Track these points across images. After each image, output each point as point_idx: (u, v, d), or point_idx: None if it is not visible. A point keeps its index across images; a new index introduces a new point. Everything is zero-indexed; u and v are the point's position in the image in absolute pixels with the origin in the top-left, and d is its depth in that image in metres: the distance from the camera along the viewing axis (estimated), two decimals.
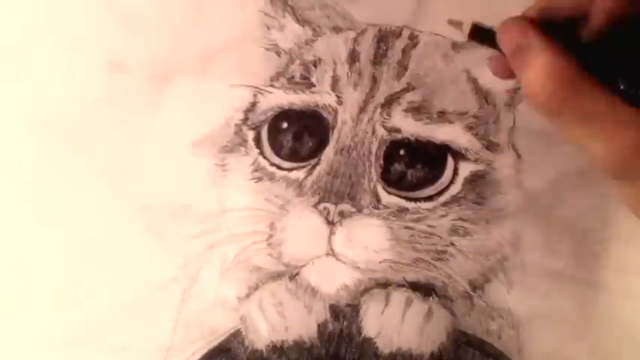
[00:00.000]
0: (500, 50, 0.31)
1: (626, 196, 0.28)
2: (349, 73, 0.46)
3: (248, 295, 0.45)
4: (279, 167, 0.46)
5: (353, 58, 0.47)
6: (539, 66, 0.27)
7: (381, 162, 0.45)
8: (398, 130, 0.45)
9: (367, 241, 0.44)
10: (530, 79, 0.27)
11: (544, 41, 0.27)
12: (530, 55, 0.27)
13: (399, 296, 0.44)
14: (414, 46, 0.47)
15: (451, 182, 0.45)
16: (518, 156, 0.46)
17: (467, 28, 0.33)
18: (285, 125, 0.46)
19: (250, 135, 0.47)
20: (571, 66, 0.26)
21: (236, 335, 0.45)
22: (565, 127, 0.28)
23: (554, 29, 0.28)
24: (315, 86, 0.46)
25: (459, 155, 0.45)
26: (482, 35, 0.32)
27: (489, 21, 0.46)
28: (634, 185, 0.27)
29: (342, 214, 0.44)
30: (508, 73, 0.31)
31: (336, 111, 0.46)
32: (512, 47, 0.29)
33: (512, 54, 0.29)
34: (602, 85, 0.27)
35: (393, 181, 0.45)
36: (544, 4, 0.30)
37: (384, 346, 0.44)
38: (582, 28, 0.29)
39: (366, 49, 0.47)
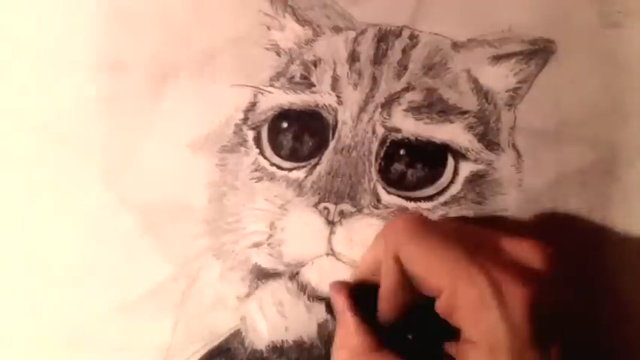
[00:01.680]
0: None
1: None
2: (349, 73, 0.46)
3: (248, 295, 0.45)
4: (279, 167, 0.46)
5: (353, 58, 0.47)
6: (343, 338, 0.35)
7: (381, 162, 0.45)
8: (398, 130, 0.45)
9: (367, 241, 0.44)
10: (336, 346, 0.36)
11: (350, 313, 0.35)
12: (341, 321, 0.36)
13: None
14: (414, 45, 0.47)
15: (451, 182, 0.45)
16: (519, 156, 0.46)
17: None
18: (285, 125, 0.46)
19: (250, 135, 0.47)
20: (366, 342, 0.34)
21: (236, 335, 0.45)
22: None
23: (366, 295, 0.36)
24: (315, 86, 0.46)
25: (459, 155, 0.45)
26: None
27: (487, 20, 0.46)
28: None
29: (342, 214, 0.44)
30: None
31: (336, 111, 0.46)
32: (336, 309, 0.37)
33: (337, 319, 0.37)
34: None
35: (393, 180, 0.45)
36: (359, 276, 0.38)
37: None
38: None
39: (366, 49, 0.47)
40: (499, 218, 0.43)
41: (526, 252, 0.32)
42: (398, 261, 0.33)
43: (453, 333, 0.32)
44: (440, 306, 0.32)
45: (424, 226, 0.34)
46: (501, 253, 0.32)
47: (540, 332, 0.29)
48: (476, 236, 0.34)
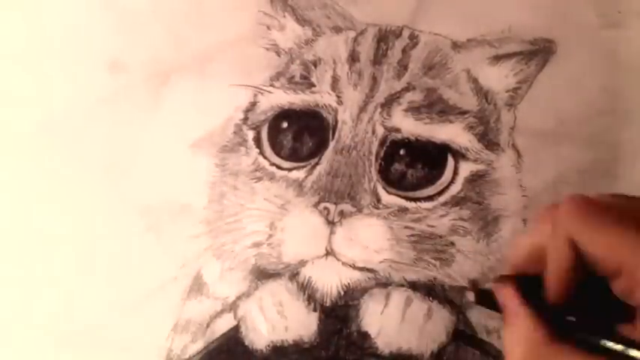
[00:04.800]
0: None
1: None
2: (349, 73, 0.46)
3: (248, 295, 0.45)
4: (279, 167, 0.46)
5: (353, 57, 0.47)
6: (517, 335, 0.33)
7: (381, 162, 0.45)
8: (398, 130, 0.45)
9: (367, 241, 0.44)
10: (508, 338, 0.33)
11: (523, 306, 0.33)
12: (512, 316, 0.34)
13: (399, 296, 0.44)
14: (414, 45, 0.47)
15: (451, 182, 0.45)
16: (519, 156, 0.46)
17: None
18: (285, 125, 0.46)
19: (250, 135, 0.47)
20: (545, 333, 0.32)
21: (236, 335, 0.45)
22: None
23: (529, 284, 0.34)
24: (315, 86, 0.46)
25: (459, 155, 0.45)
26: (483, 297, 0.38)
27: (487, 20, 0.46)
28: None
29: (342, 214, 0.44)
30: None
31: (336, 111, 0.46)
32: (501, 303, 0.35)
33: (503, 311, 0.35)
34: (571, 345, 0.32)
35: (393, 180, 0.45)
36: (512, 263, 0.36)
37: (384, 345, 0.44)
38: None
39: (366, 48, 0.47)
40: None
41: None
42: (572, 244, 0.32)
43: (623, 314, 0.31)
44: (619, 286, 0.31)
45: (596, 205, 0.33)
46: None
47: None
48: None
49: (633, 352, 0.31)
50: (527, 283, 0.35)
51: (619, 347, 0.31)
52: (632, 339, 0.31)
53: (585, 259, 0.32)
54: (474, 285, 0.38)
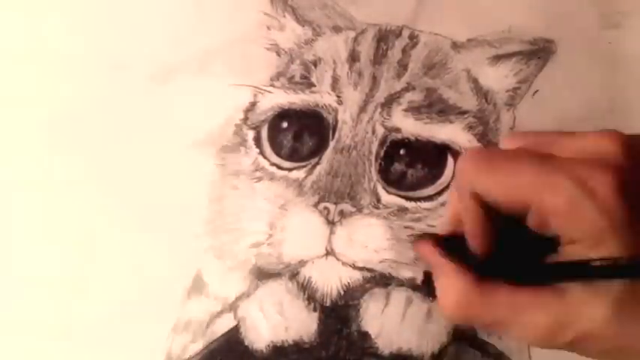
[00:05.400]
0: None
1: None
2: (349, 73, 0.46)
3: (248, 295, 0.45)
4: (279, 167, 0.46)
5: (353, 57, 0.47)
6: (445, 285, 0.33)
7: (381, 162, 0.45)
8: (398, 130, 0.45)
9: (367, 241, 0.44)
10: (440, 296, 0.33)
11: (445, 260, 0.34)
12: (437, 272, 0.34)
13: (399, 296, 0.44)
14: (414, 45, 0.47)
15: (451, 182, 0.45)
16: None
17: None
18: (285, 125, 0.46)
19: (250, 135, 0.47)
20: (472, 277, 0.32)
21: (236, 335, 0.45)
22: (480, 328, 0.36)
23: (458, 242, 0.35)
24: (315, 86, 0.46)
25: (459, 155, 0.45)
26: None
27: (487, 20, 0.46)
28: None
29: (342, 214, 0.44)
30: None
31: (336, 111, 0.46)
32: (425, 261, 0.36)
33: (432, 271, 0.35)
34: (499, 283, 0.32)
35: (393, 180, 0.45)
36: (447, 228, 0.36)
37: (384, 346, 0.44)
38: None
39: (366, 48, 0.47)
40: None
41: (599, 144, 0.32)
42: (476, 196, 0.32)
43: (548, 245, 0.32)
44: (532, 220, 0.31)
45: (489, 153, 0.34)
46: (574, 152, 0.32)
47: (635, 211, 0.29)
48: (543, 144, 0.33)
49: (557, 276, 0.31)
50: (452, 243, 0.35)
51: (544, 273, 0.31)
52: (554, 263, 0.31)
53: (493, 206, 0.32)
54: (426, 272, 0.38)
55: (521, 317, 0.31)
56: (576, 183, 0.30)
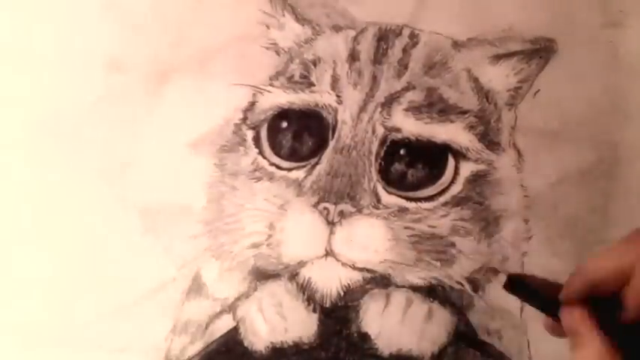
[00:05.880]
0: (538, 308, 0.37)
1: None
2: (349, 73, 0.46)
3: (247, 296, 0.45)
4: (278, 167, 0.46)
5: (353, 57, 0.46)
6: (589, 356, 0.33)
7: (381, 162, 0.45)
8: (398, 130, 0.45)
9: (367, 241, 0.44)
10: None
11: (595, 331, 0.34)
12: (584, 340, 0.34)
13: (399, 297, 0.44)
14: (415, 45, 0.46)
15: (452, 182, 0.45)
16: (520, 156, 0.46)
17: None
18: (284, 125, 0.46)
19: (249, 135, 0.46)
20: (614, 357, 0.33)
21: (235, 336, 0.44)
22: None
23: (600, 305, 0.34)
24: (314, 85, 0.46)
25: (459, 155, 0.45)
26: (517, 287, 0.37)
27: (487, 19, 0.46)
28: None
29: (341, 214, 0.44)
30: (559, 335, 0.37)
31: (335, 110, 0.46)
32: (571, 329, 0.35)
33: (570, 333, 0.35)
34: None
35: (393, 180, 0.45)
36: (590, 279, 0.35)
37: (384, 346, 0.44)
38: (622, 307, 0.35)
39: (367, 48, 0.46)
40: None
41: None
42: None
43: None
44: None
45: None
46: None
47: None
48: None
49: None
50: (598, 304, 0.34)
51: None
52: None
53: None
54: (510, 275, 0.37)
55: None
56: None
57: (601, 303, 0.34)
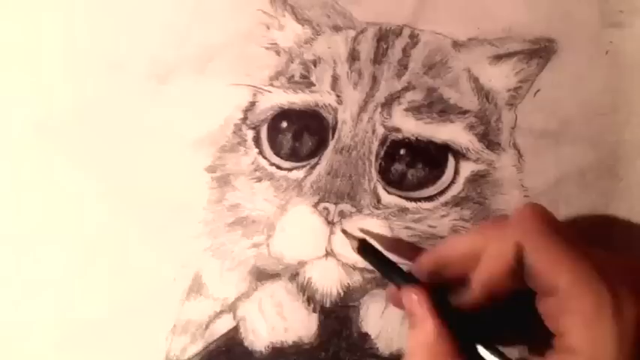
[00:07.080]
0: (385, 276, 0.40)
1: None
2: (349, 73, 0.46)
3: (247, 296, 0.45)
4: (278, 167, 0.46)
5: (353, 57, 0.46)
6: (420, 337, 0.34)
7: (382, 162, 0.45)
8: (398, 130, 0.45)
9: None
10: (412, 344, 0.35)
11: (430, 313, 0.34)
12: (417, 321, 0.35)
13: None
14: (415, 45, 0.46)
15: (452, 182, 0.45)
16: (520, 156, 0.46)
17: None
18: (284, 125, 0.46)
19: (249, 134, 0.46)
20: (449, 349, 0.33)
21: (235, 336, 0.44)
22: None
23: (442, 290, 0.36)
24: (314, 85, 0.46)
25: (459, 155, 0.45)
26: (367, 251, 0.40)
27: (487, 19, 0.46)
28: None
29: (342, 214, 0.44)
30: (400, 306, 0.38)
31: (335, 110, 0.46)
32: (408, 309, 0.36)
33: (407, 312, 0.36)
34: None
35: (393, 180, 0.45)
36: (440, 257, 0.37)
37: (384, 346, 0.44)
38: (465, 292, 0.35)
39: (367, 48, 0.46)
40: None
41: None
42: (519, 248, 0.32)
43: (538, 337, 0.32)
44: (547, 305, 0.31)
45: (555, 221, 0.34)
46: (621, 268, 0.31)
47: None
48: (597, 250, 0.33)
49: None
50: (437, 290, 0.35)
51: None
52: None
53: (523, 269, 0.32)
54: (361, 240, 0.40)
55: None
56: (611, 293, 0.29)
57: (448, 285, 0.35)
